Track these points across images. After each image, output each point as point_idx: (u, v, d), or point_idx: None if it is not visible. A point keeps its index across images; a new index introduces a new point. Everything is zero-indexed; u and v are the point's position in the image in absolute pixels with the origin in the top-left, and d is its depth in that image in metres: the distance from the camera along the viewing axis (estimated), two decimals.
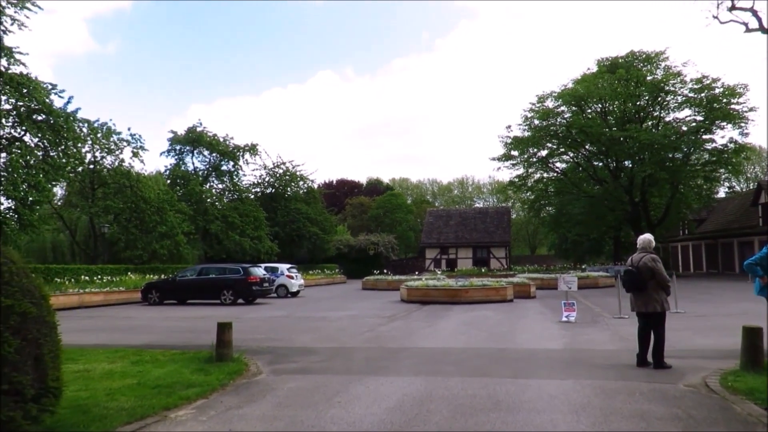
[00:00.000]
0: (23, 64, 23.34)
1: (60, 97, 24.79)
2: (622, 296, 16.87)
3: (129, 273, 26.00)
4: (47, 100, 23.52)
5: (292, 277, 27.84)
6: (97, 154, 29.69)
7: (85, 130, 27.02)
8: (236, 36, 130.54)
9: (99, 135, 28.85)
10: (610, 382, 7.53)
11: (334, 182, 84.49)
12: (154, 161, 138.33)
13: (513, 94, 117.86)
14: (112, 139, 29.81)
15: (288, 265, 28.79)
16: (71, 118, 24.94)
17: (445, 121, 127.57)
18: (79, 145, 26.57)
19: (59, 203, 33.10)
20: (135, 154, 30.75)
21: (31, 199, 21.90)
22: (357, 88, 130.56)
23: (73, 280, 23.43)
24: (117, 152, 30.15)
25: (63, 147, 24.51)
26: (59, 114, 24.06)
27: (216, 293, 22.58)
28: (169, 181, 36.89)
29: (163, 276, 25.70)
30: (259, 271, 23.78)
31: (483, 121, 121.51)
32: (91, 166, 29.60)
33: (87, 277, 23.33)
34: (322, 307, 21.23)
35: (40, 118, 23.76)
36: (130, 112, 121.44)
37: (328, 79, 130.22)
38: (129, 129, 31.56)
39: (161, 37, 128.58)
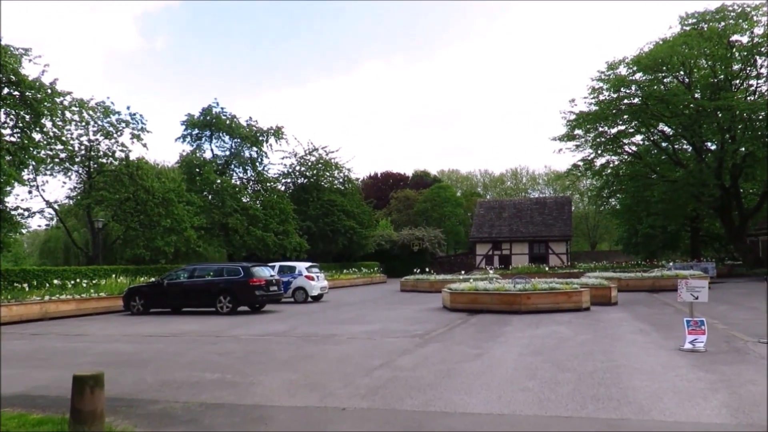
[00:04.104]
0: None
1: (35, 63, 20.96)
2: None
3: (114, 275, 21.88)
4: (15, 67, 19.64)
5: (312, 278, 23.19)
6: (92, 136, 25.91)
7: (67, 103, 23.09)
8: (282, 28, 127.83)
9: (92, 113, 24.96)
10: None
11: (379, 175, 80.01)
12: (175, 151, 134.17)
13: (572, 78, 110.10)
14: (107, 120, 25.94)
15: (308, 264, 24.14)
16: (49, 90, 21.05)
17: (497, 110, 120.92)
18: (60, 122, 22.75)
19: (72, 198, 29.10)
20: (136, 137, 26.67)
21: None
22: (405, 77, 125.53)
23: (47, 284, 19.46)
24: (116, 135, 26.26)
25: (35, 126, 20.67)
26: (32, 85, 20.19)
27: (212, 299, 18.20)
28: (179, 169, 33.00)
29: (150, 279, 21.54)
30: (265, 271, 19.23)
31: (538, 108, 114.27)
32: (83, 151, 25.78)
33: (61, 282, 19.29)
34: (339, 318, 16.49)
35: (8, 90, 19.95)
36: (175, 108, 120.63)
37: (375, 69, 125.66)
38: (128, 108, 27.43)
39: (207, 32, 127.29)
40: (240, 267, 18.59)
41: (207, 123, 35.35)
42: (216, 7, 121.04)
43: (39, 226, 26.15)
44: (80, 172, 26.61)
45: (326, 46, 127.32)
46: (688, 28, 33.53)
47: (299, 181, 44.59)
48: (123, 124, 26.47)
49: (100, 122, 25.83)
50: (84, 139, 25.82)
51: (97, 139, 26.22)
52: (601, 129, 36.88)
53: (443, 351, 10.16)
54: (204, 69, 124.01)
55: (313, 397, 6.88)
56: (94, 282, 21.07)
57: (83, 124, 25.15)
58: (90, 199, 25.06)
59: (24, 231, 27.19)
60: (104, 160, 26.47)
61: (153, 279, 20.78)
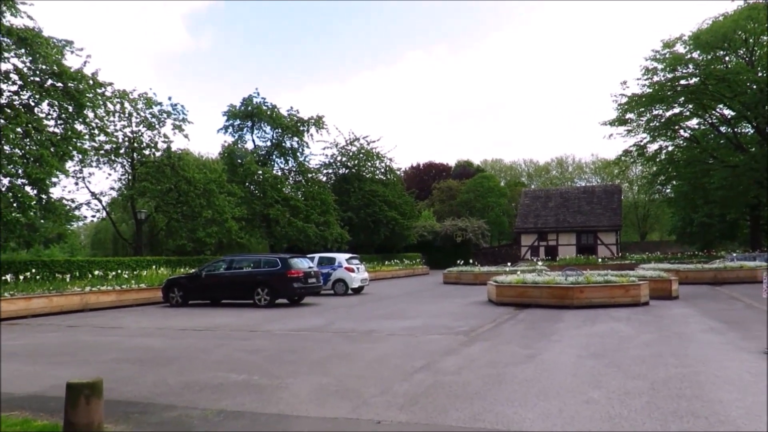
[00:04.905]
0: (29, 17, 19.61)
1: (77, 56, 20.96)
2: None
3: (154, 266, 21.78)
4: (58, 59, 19.59)
5: (352, 270, 22.50)
6: (135, 127, 25.99)
7: (108, 94, 23.08)
8: (324, 21, 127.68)
9: (134, 104, 25.02)
10: None
11: (421, 165, 78.93)
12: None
13: (621, 63, 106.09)
14: (150, 111, 25.91)
15: (348, 255, 23.46)
16: (90, 81, 20.97)
17: (541, 98, 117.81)
18: (102, 113, 22.76)
19: (117, 189, 29.03)
20: (177, 128, 26.60)
21: (33, 177, 18.02)
22: (448, 67, 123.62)
23: (90, 275, 19.44)
24: (158, 126, 26.25)
25: (78, 116, 20.64)
26: (73, 76, 20.11)
27: (249, 292, 17.72)
28: (221, 160, 32.90)
29: (189, 270, 21.27)
30: (303, 263, 18.62)
31: (585, 95, 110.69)
32: (127, 143, 25.84)
33: (102, 273, 19.23)
34: (379, 313, 15.71)
35: (51, 82, 19.94)
36: (221, 103, 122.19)
37: (418, 59, 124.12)
38: (170, 99, 27.42)
39: (251, 28, 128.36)
40: (278, 258, 18.02)
41: (248, 113, 35.12)
42: (259, 4, 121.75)
43: (85, 217, 26.37)
44: (124, 163, 26.75)
45: (368, 38, 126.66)
46: (752, 1, 31.12)
47: (340, 171, 44.05)
48: (165, 115, 26.52)
49: (142, 113, 25.91)
50: (127, 130, 26.02)
51: (139, 131, 26.32)
52: (655, 112, 34.81)
53: (491, 351, 9.24)
54: (249, 65, 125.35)
55: (345, 406, 6.09)
56: (135, 273, 20.99)
57: (126, 115, 25.26)
58: (133, 191, 25.16)
59: (80, 223, 27.66)
60: (147, 152, 26.52)
61: (193, 270, 20.49)
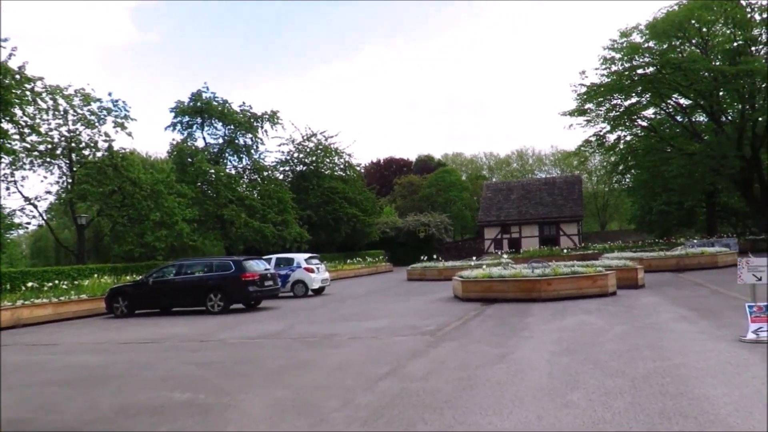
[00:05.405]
0: None
1: (2, 47, 19.35)
2: None
3: (97, 275, 20.40)
4: None
5: (312, 270, 21.68)
6: (72, 126, 24.36)
7: (38, 89, 21.45)
8: (280, 17, 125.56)
9: (68, 101, 23.41)
10: None
11: (382, 161, 78.28)
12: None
13: (579, 54, 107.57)
14: (88, 108, 24.37)
15: (307, 255, 22.63)
16: (17, 75, 19.45)
17: (500, 91, 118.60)
18: (33, 111, 21.20)
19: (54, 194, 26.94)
20: (119, 126, 25.11)
21: None
22: (406, 61, 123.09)
23: (23, 287, 17.85)
24: (98, 123, 24.71)
25: (4, 114, 19.10)
26: None
27: (201, 298, 16.69)
28: (170, 159, 31.49)
29: (136, 277, 20.02)
30: (259, 265, 17.72)
31: (543, 87, 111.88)
32: (64, 143, 24.22)
33: (38, 284, 17.79)
34: (341, 314, 14.99)
35: None
36: (170, 101, 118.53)
37: (376, 53, 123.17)
38: (110, 95, 26.04)
39: (204, 22, 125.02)
40: (231, 261, 17.06)
41: (198, 109, 33.65)
42: None
43: (21, 225, 24.50)
44: (62, 165, 25.07)
45: (325, 33, 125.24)
46: None
47: (298, 168, 42.95)
48: (105, 112, 24.94)
49: (79, 110, 24.26)
50: (63, 129, 24.31)
51: (77, 129, 24.67)
52: (614, 102, 35.01)
53: (460, 352, 8.64)
54: (201, 60, 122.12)
55: (302, 424, 5.37)
56: (76, 283, 19.61)
57: (61, 112, 23.58)
58: (72, 194, 23.56)
59: (20, 231, 25.87)
60: (86, 152, 24.91)
61: (139, 277, 19.28)
